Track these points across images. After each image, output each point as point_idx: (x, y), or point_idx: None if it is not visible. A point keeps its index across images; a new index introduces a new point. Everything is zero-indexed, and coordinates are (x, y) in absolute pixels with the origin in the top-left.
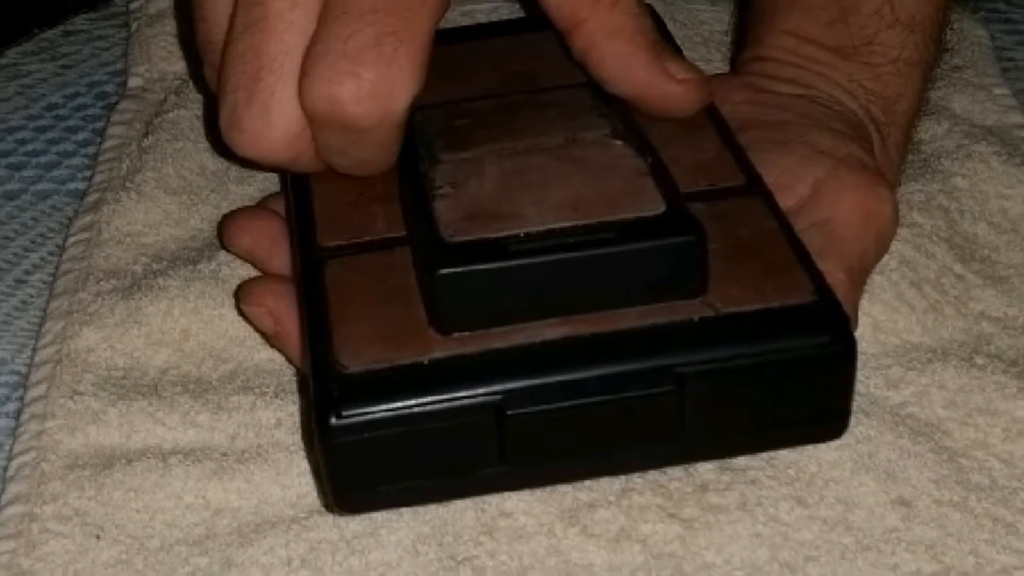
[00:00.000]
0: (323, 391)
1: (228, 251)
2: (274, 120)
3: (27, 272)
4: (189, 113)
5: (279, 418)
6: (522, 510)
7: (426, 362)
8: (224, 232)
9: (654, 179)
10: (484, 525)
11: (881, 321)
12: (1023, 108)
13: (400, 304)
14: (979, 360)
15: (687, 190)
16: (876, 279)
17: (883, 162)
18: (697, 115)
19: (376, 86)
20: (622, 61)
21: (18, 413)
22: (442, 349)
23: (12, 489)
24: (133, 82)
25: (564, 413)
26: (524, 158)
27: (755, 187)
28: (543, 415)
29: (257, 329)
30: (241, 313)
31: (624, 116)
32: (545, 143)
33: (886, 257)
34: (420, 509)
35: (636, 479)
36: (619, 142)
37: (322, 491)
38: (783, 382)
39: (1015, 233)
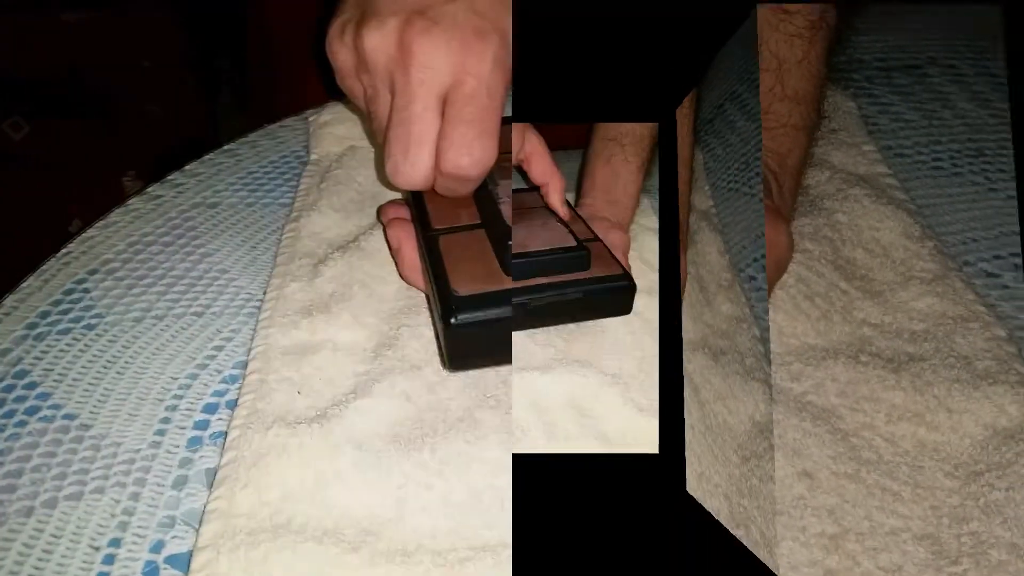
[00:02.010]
0: (447, 305)
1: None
2: (418, 172)
3: (254, 248)
4: (344, 172)
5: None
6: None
7: (499, 291)
8: (381, 211)
9: (570, 232)
10: (502, 380)
11: (783, 327)
12: (886, 161)
13: (482, 259)
14: (863, 358)
15: (582, 237)
16: (778, 293)
17: (779, 203)
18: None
19: (479, 159)
20: (557, 198)
21: (255, 327)
22: (505, 284)
23: (252, 365)
24: (313, 155)
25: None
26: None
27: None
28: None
29: (388, 245)
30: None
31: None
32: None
33: (785, 276)
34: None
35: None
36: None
37: (441, 356)
38: (607, 298)
39: (886, 257)
